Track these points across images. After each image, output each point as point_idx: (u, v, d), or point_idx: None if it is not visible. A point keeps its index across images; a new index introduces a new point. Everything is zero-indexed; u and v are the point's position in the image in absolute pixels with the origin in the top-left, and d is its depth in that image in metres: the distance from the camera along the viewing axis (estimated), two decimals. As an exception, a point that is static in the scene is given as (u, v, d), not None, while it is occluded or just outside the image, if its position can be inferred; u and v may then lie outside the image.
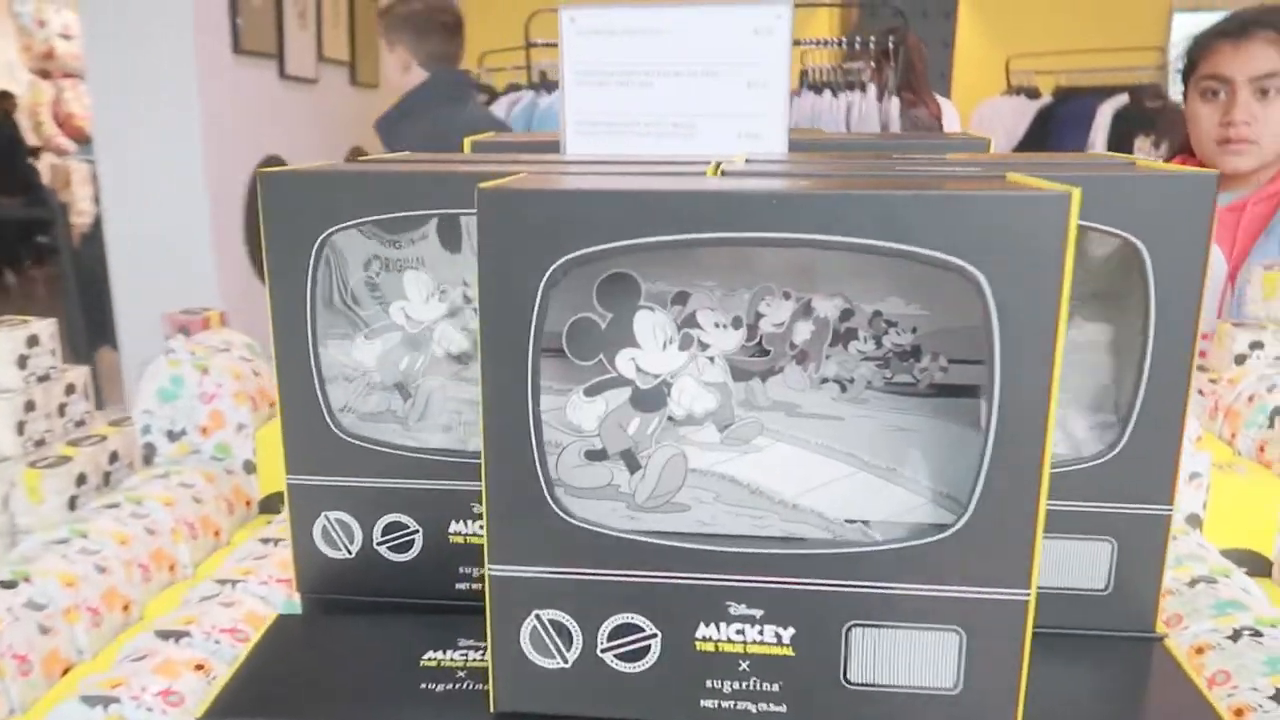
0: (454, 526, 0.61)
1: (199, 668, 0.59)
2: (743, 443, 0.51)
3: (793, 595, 0.46)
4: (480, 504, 0.60)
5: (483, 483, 0.47)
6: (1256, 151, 1.54)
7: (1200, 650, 0.57)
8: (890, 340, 0.52)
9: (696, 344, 0.50)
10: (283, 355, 0.59)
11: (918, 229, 0.41)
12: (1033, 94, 4.11)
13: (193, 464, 0.90)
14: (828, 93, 2.67)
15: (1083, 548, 0.55)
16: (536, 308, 0.44)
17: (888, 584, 0.45)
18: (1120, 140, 3.64)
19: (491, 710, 0.50)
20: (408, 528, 0.61)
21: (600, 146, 0.77)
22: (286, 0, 2.87)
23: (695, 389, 0.49)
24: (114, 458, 0.92)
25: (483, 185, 0.44)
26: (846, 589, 0.46)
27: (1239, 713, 0.51)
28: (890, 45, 2.60)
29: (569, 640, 0.48)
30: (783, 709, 0.48)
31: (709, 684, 0.48)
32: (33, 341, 0.89)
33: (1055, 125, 3.83)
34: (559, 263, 0.44)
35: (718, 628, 0.47)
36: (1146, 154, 3.30)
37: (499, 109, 3.14)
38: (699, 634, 0.47)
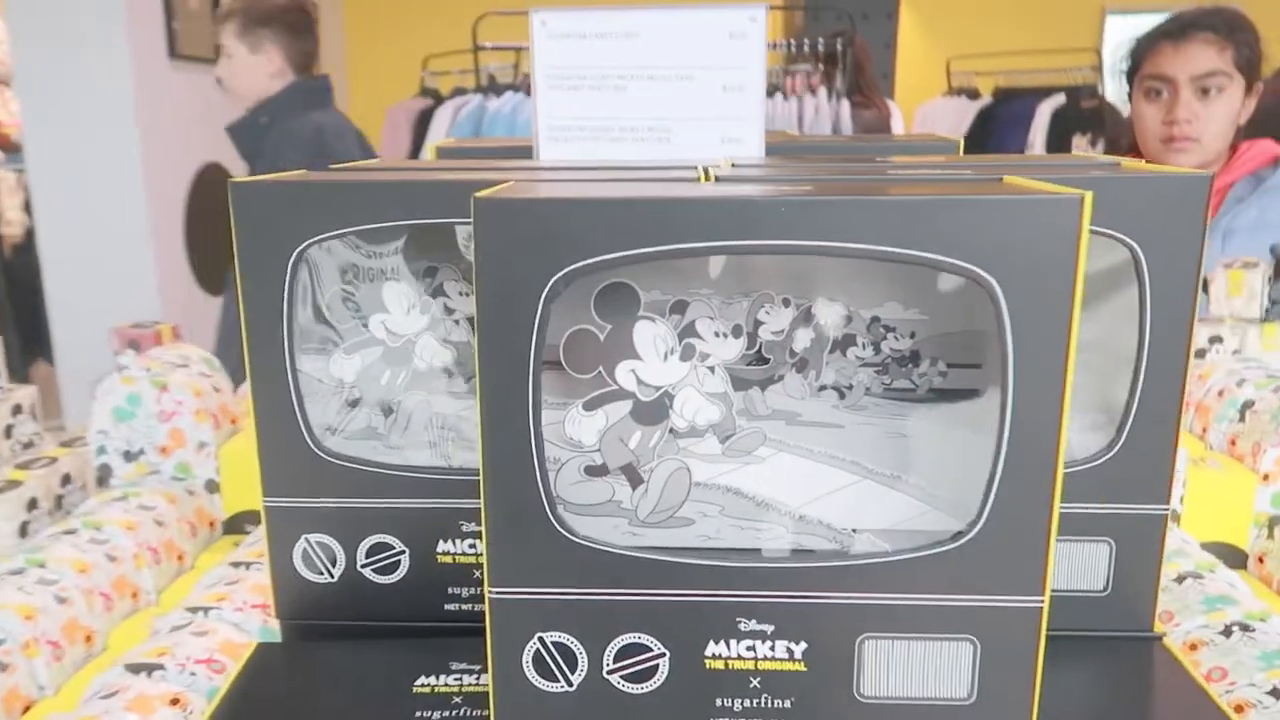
0: (442, 546, 0.59)
1: (174, 702, 0.56)
2: (745, 454, 0.50)
3: (804, 609, 0.45)
4: (470, 522, 0.59)
5: (482, 503, 0.45)
6: (1199, 149, 1.59)
7: (1194, 647, 0.58)
8: (889, 346, 0.52)
9: (697, 354, 0.49)
10: (258, 372, 0.57)
11: (931, 234, 0.40)
12: (973, 95, 4.18)
13: (152, 485, 0.86)
14: (779, 96, 2.68)
15: (1082, 549, 0.55)
16: (538, 320, 0.43)
17: (900, 595, 0.45)
18: (1058, 139, 3.71)
19: (492, 737, 0.49)
20: (393, 548, 0.59)
21: (574, 152, 0.75)
22: (223, 4, 2.80)
23: (698, 400, 0.48)
24: (66, 480, 0.88)
25: (479, 195, 0.42)
26: (859, 601, 0.45)
27: (1239, 709, 0.52)
28: (839, 48, 2.62)
29: (573, 663, 0.47)
30: (794, 725, 0.47)
31: (719, 703, 0.47)
32: (-23, 362, 0.85)
33: (996, 125, 3.90)
34: (561, 273, 0.42)
35: (728, 645, 0.46)
36: (1083, 151, 3.38)
37: (444, 113, 3.10)
38: (708, 652, 0.46)
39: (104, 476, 0.88)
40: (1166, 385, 0.53)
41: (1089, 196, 0.39)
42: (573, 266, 0.42)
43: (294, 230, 0.55)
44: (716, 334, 0.49)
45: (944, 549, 0.44)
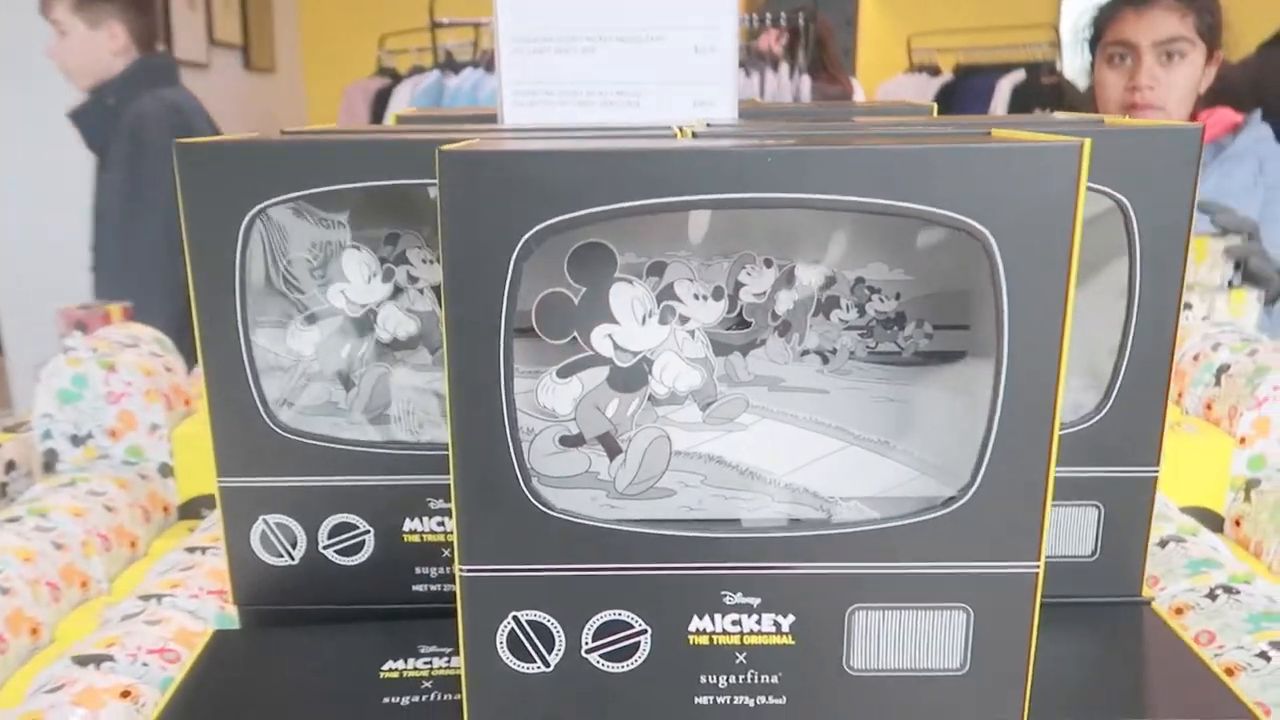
0: (409, 525, 0.56)
1: (125, 694, 0.53)
2: (727, 421, 0.48)
3: (791, 580, 0.43)
4: (438, 499, 0.56)
5: (451, 477, 0.43)
6: (1162, 116, 1.59)
7: (1180, 611, 0.57)
8: (873, 308, 0.50)
9: (676, 317, 0.46)
10: (209, 346, 0.54)
11: (924, 186, 0.38)
12: (934, 71, 4.18)
13: (102, 470, 0.83)
14: (740, 70, 2.65)
15: (1070, 514, 0.54)
16: (508, 282, 0.40)
17: (891, 563, 0.43)
18: (1020, 114, 3.73)
19: (466, 722, 0.46)
20: (357, 528, 0.56)
21: (542, 117, 0.72)
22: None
23: (679, 366, 0.46)
24: (10, 467, 0.85)
25: (445, 148, 0.40)
26: (848, 571, 0.43)
27: (1229, 672, 0.51)
28: (801, 23, 2.60)
29: (550, 642, 0.45)
30: (782, 701, 0.45)
31: (704, 679, 0.45)
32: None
33: (957, 101, 3.90)
34: (533, 232, 0.40)
35: (712, 619, 0.44)
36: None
37: (402, 90, 3.03)
38: (692, 627, 0.44)
39: (50, 462, 0.84)
40: (1156, 345, 0.51)
41: (1088, 143, 0.38)
42: (545, 223, 0.40)
43: (246, 194, 0.52)
44: (696, 296, 0.47)
45: (936, 515, 0.42)
